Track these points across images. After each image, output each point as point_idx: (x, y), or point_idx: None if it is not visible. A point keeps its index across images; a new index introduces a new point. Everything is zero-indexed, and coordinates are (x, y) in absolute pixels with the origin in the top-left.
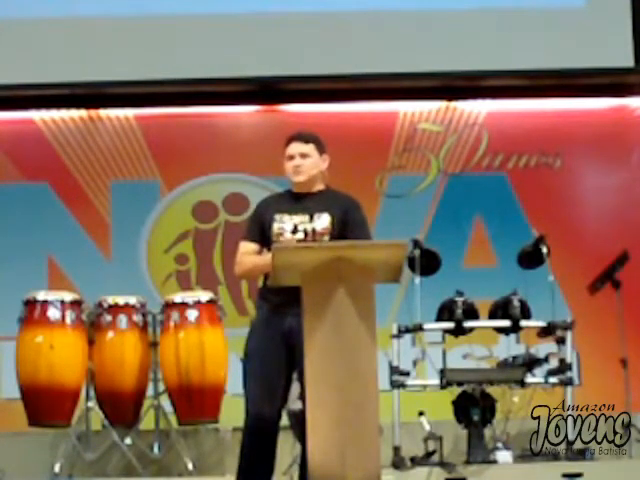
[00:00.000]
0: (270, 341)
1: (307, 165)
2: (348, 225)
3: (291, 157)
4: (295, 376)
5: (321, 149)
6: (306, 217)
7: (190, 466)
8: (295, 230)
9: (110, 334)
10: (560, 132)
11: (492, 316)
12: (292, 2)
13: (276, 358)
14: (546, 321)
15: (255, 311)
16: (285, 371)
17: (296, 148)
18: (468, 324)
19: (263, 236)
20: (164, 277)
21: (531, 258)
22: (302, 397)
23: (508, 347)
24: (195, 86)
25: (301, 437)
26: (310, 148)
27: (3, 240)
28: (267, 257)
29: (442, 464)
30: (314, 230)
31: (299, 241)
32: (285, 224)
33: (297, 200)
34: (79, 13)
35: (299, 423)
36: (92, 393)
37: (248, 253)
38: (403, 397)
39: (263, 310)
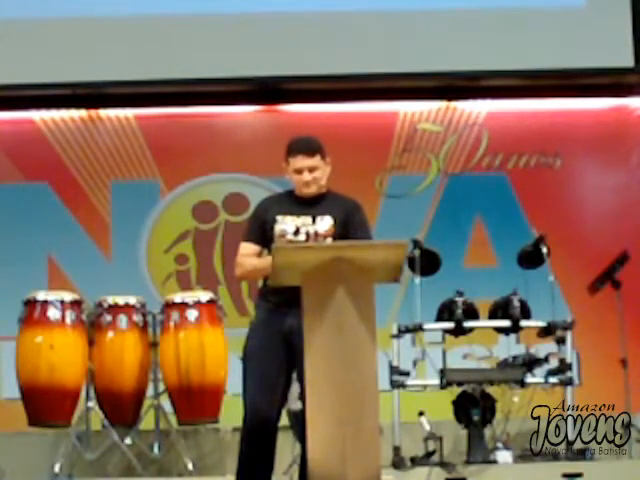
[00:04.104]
0: (270, 341)
1: (317, 178)
2: (350, 227)
3: (299, 171)
4: (295, 376)
5: (324, 155)
6: (308, 219)
7: (190, 466)
8: (297, 232)
9: (110, 334)
10: (560, 132)
11: (492, 316)
12: (292, 2)
13: (275, 358)
14: (546, 321)
15: (254, 311)
16: (285, 371)
17: (303, 162)
18: (468, 324)
19: (264, 237)
20: (164, 277)
21: (531, 258)
22: (302, 397)
23: (508, 347)
24: (195, 86)
25: (301, 437)
26: (317, 160)
27: (3, 240)
28: (267, 260)
29: (442, 464)
30: (316, 232)
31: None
32: (287, 226)
33: (299, 202)
34: (79, 13)
35: (299, 423)
36: (92, 393)
37: (248, 254)
38: (403, 397)
39: (263, 310)
